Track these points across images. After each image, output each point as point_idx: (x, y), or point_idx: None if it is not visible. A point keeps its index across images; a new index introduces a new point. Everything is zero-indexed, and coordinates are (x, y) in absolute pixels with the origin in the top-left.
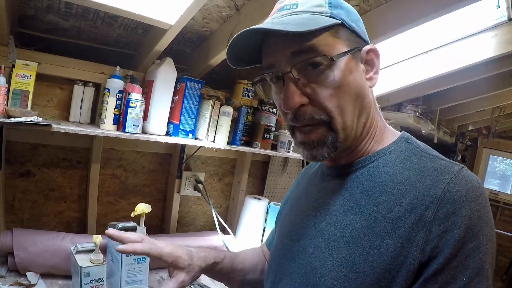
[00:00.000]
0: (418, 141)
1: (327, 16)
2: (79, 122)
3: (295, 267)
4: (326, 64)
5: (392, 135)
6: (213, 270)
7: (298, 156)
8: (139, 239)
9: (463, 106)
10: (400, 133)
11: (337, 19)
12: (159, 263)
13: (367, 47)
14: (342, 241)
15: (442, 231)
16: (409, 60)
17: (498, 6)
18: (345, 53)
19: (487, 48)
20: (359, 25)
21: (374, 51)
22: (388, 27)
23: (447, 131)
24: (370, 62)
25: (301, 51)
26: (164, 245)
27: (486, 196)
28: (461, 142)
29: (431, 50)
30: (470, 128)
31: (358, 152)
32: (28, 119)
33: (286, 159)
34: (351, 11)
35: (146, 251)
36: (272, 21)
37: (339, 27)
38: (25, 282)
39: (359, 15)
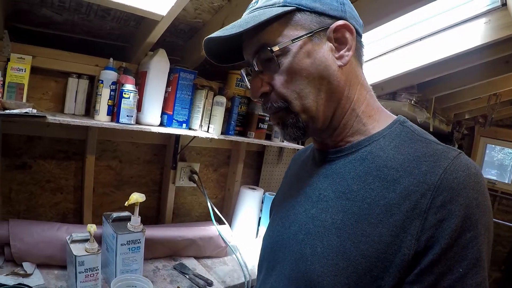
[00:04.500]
0: (414, 125)
1: (279, 6)
2: (74, 114)
3: (286, 254)
4: (279, 54)
5: (387, 118)
6: None
7: (293, 145)
8: None
9: (459, 94)
10: (395, 116)
11: (291, 6)
12: (154, 253)
13: (334, 25)
14: (333, 228)
15: (439, 220)
16: (403, 47)
17: None
18: (297, 38)
19: (481, 34)
20: (325, 2)
21: (345, 27)
22: (381, 13)
23: (443, 119)
24: (341, 39)
25: (259, 48)
26: None
27: (485, 183)
28: (457, 131)
29: (424, 37)
30: (467, 116)
31: (352, 133)
32: (23, 110)
33: (281, 149)
34: None
35: None
36: (238, 21)
37: (294, 13)
38: (21, 272)
39: None
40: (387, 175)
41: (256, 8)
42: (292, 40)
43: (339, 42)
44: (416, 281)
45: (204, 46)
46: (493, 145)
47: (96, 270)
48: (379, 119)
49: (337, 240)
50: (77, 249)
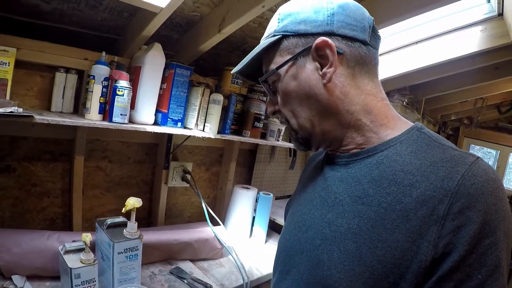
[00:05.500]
0: (431, 131)
1: (271, 36)
2: (61, 112)
3: (303, 258)
4: (276, 79)
5: (404, 124)
6: None
7: (286, 144)
8: None
9: (448, 96)
10: (413, 123)
11: (278, 34)
12: (149, 258)
13: (313, 44)
14: (349, 233)
15: (456, 227)
16: (399, 50)
17: (489, 1)
18: (281, 65)
19: (475, 41)
20: (309, 20)
21: (323, 44)
22: (382, 17)
23: (431, 120)
24: (324, 56)
25: (265, 73)
26: None
27: (503, 188)
28: (443, 131)
29: (421, 41)
30: (453, 118)
31: (363, 141)
32: (8, 110)
33: (273, 148)
34: (301, 11)
35: None
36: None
37: (282, 40)
38: (11, 286)
39: (318, 5)
40: (403, 179)
41: (263, 38)
42: (276, 68)
43: (324, 58)
44: None
45: (235, 74)
46: (474, 145)
47: (93, 282)
48: (394, 127)
49: (353, 246)
50: (71, 261)
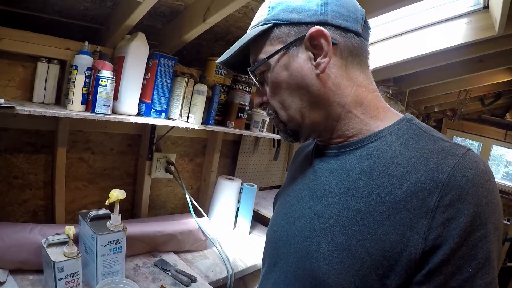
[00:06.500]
0: (421, 122)
1: (260, 25)
2: (43, 103)
3: (291, 250)
4: (265, 69)
5: (394, 116)
6: None
7: (271, 135)
8: None
9: (432, 88)
10: (403, 114)
11: (269, 22)
12: (133, 250)
13: (307, 33)
14: (338, 225)
15: (447, 219)
16: (384, 41)
17: None
18: (272, 55)
19: (460, 33)
20: (302, 9)
21: (318, 34)
22: (370, 8)
23: (414, 111)
24: (318, 46)
25: (253, 64)
26: None
27: (494, 180)
28: (426, 123)
29: (405, 32)
30: (436, 109)
31: (353, 133)
32: None
33: (257, 138)
34: None
35: None
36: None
37: (272, 29)
38: None
39: None
40: (393, 171)
41: (251, 27)
42: (266, 57)
43: (318, 48)
44: (424, 281)
45: (219, 64)
46: (456, 137)
47: (77, 275)
48: (384, 118)
49: (342, 238)
50: (55, 254)
